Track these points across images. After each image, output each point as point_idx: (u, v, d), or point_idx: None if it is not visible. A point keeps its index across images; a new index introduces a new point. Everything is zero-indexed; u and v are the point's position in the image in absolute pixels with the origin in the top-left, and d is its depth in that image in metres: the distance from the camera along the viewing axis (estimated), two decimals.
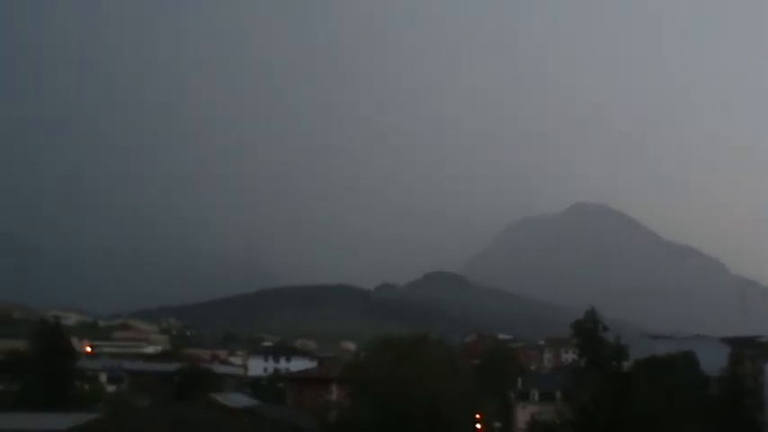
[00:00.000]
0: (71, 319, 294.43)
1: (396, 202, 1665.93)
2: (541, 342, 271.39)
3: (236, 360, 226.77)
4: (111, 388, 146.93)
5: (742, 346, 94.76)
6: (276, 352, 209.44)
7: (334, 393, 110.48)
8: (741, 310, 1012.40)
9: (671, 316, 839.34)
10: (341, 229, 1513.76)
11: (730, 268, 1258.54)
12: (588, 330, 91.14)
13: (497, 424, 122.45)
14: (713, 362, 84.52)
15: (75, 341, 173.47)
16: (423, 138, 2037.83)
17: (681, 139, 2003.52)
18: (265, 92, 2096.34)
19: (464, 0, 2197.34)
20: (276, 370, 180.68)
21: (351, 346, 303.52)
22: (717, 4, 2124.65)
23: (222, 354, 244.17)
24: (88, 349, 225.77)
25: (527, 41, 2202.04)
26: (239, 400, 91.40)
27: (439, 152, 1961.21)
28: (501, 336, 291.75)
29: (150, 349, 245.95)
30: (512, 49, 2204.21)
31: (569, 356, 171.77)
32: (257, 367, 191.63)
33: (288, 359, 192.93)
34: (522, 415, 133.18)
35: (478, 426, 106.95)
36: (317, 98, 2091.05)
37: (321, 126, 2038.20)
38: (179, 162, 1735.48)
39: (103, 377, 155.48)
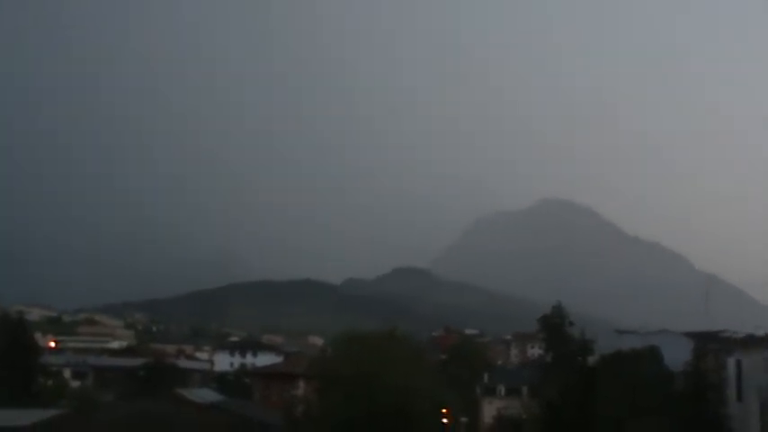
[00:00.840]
0: (35, 314, 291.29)
1: (364, 198, 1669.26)
2: (508, 337, 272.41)
3: (203, 355, 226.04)
4: (75, 383, 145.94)
5: (706, 341, 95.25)
6: (243, 347, 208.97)
7: (301, 388, 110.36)
8: (705, 305, 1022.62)
9: (637, 311, 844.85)
10: (309, 224, 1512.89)
11: (695, 263, 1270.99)
12: (554, 325, 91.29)
13: (464, 419, 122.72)
14: (677, 357, 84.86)
15: (38, 336, 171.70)
16: (391, 134, 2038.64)
17: (644, 136, 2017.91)
18: (228, 89, 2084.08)
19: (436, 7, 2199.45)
20: (243, 365, 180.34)
21: (318, 341, 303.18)
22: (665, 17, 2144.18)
23: (188, 349, 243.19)
24: (52, 344, 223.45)
25: (492, 43, 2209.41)
26: (205, 395, 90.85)
27: (407, 148, 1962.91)
28: (468, 331, 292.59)
29: (115, 344, 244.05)
30: (478, 56, 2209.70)
31: (536, 351, 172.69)
32: (224, 362, 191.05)
33: (254, 354, 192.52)
34: (489, 410, 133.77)
35: (445, 420, 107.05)
36: (283, 95, 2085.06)
37: (288, 123, 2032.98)
38: (146, 159, 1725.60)
39: (68, 372, 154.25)
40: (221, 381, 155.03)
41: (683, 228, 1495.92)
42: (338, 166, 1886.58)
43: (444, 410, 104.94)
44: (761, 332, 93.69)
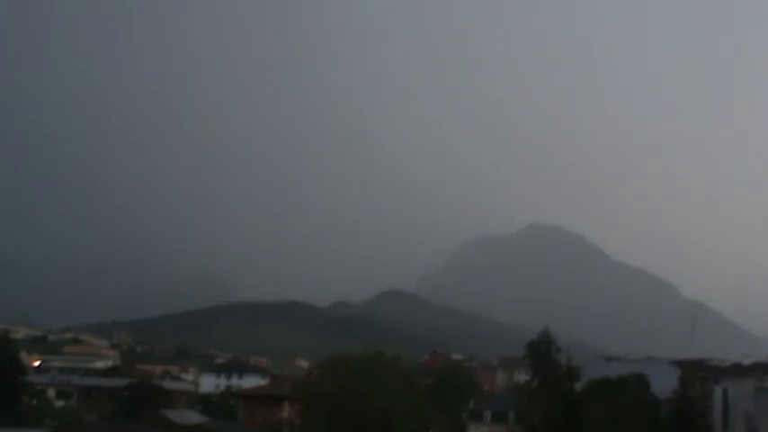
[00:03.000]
0: (20, 333, 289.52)
1: (351, 221, 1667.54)
2: (494, 362, 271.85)
3: (188, 376, 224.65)
4: (59, 403, 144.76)
5: (692, 369, 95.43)
6: (228, 369, 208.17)
7: (286, 411, 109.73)
8: (691, 332, 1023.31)
9: (623, 337, 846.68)
10: (296, 246, 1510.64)
11: (681, 291, 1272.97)
12: (541, 351, 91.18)
13: None
14: (664, 384, 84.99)
15: (23, 355, 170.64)
16: (379, 158, 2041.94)
17: (633, 165, 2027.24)
18: (220, 107, 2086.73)
19: (424, 34, 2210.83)
20: (228, 387, 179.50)
21: (304, 363, 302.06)
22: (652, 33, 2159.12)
23: (174, 370, 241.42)
24: (36, 363, 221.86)
25: (483, 70, 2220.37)
26: (190, 416, 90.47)
27: (395, 173, 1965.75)
28: (455, 356, 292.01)
29: (101, 364, 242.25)
30: (469, 77, 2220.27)
31: (522, 377, 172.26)
32: (209, 384, 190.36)
33: (240, 376, 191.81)
34: None
35: None
36: (273, 114, 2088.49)
37: (279, 144, 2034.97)
38: (135, 175, 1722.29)
39: (52, 392, 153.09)
40: (207, 402, 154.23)
41: (670, 255, 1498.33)
42: (326, 189, 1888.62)
43: None
44: (747, 361, 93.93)
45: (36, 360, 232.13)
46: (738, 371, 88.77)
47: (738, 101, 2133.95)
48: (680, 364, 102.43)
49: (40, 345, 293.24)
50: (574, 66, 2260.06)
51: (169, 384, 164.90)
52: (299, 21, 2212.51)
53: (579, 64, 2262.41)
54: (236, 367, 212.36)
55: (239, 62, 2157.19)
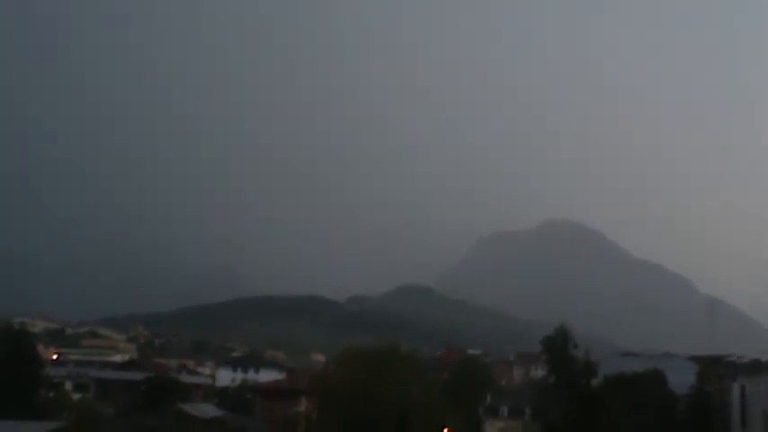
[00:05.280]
0: (38, 327, 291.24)
1: (369, 215, 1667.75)
2: (511, 358, 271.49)
3: (205, 370, 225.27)
4: (76, 396, 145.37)
5: (710, 365, 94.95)
6: (245, 363, 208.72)
7: (303, 405, 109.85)
8: (709, 328, 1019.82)
9: (640, 333, 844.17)
10: (314, 240, 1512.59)
11: (699, 287, 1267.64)
12: (558, 346, 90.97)
13: None
14: (681, 380, 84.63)
15: (41, 348, 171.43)
16: (395, 154, 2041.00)
17: (652, 158, 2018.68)
18: (239, 101, 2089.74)
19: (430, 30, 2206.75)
20: (245, 380, 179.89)
21: (321, 357, 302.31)
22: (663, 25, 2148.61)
23: (190, 363, 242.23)
24: (54, 357, 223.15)
25: (495, 62, 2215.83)
26: (207, 410, 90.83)
27: (412, 167, 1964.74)
28: (471, 351, 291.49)
29: (118, 357, 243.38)
30: (484, 75, 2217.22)
31: (539, 372, 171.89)
32: (226, 378, 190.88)
33: (257, 370, 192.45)
34: (491, 430, 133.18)
35: None
36: (293, 111, 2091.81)
37: (295, 140, 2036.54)
38: (150, 169, 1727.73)
39: (69, 385, 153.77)
40: (223, 396, 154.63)
41: (687, 251, 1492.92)
42: (343, 182, 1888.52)
43: (446, 430, 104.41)
44: (765, 357, 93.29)
45: (54, 353, 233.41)
46: (756, 367, 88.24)
47: (757, 97, 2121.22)
48: (697, 360, 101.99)
49: (57, 338, 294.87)
50: (594, 62, 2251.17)
51: (186, 378, 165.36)
52: (312, 19, 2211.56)
53: (603, 61, 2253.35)
54: (253, 361, 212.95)
55: (251, 58, 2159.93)
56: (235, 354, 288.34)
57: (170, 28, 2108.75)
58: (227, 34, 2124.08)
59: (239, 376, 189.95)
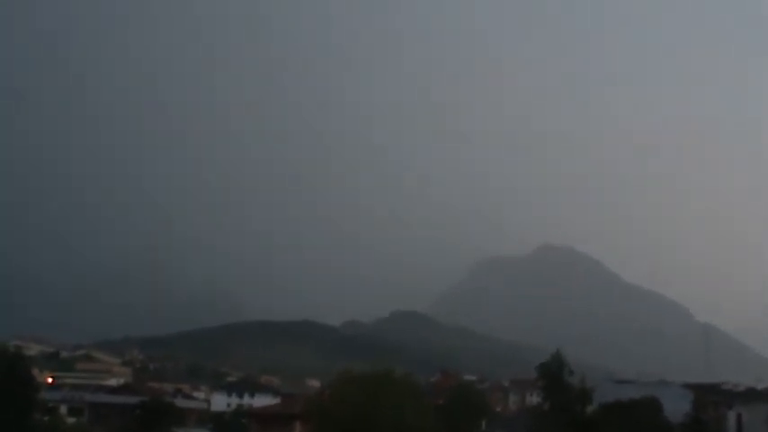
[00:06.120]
0: (33, 350, 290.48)
1: (364, 241, 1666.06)
2: (506, 384, 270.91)
3: (200, 395, 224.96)
4: (70, 420, 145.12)
5: (706, 393, 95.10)
6: (240, 387, 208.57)
7: (298, 429, 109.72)
8: (705, 356, 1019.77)
9: (635, 359, 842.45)
10: (308, 265, 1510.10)
11: (694, 314, 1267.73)
12: (553, 373, 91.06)
13: None
14: (676, 408, 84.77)
15: (36, 372, 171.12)
16: (391, 177, 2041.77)
17: (646, 184, 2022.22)
18: (228, 127, 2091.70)
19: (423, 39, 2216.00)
20: (240, 405, 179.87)
21: (316, 382, 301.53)
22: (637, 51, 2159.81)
23: (185, 387, 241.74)
24: (49, 380, 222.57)
25: (495, 87, 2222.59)
26: None
27: (407, 191, 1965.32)
28: (467, 376, 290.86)
29: (113, 381, 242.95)
30: (481, 95, 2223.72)
31: (534, 399, 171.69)
32: (220, 402, 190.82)
33: (251, 395, 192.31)
34: None
35: None
36: (283, 127, 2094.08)
37: (290, 164, 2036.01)
38: (144, 192, 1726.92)
39: (64, 409, 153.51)
40: (218, 421, 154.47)
41: (682, 278, 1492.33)
42: (339, 209, 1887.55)
43: None
44: (761, 385, 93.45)
45: (49, 377, 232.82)
46: (752, 395, 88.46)
47: (755, 119, 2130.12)
48: (693, 387, 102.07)
49: (52, 361, 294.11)
50: (591, 85, 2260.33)
51: (181, 402, 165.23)
52: (312, 26, 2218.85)
53: (598, 82, 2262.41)
54: (248, 386, 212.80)
55: (246, 71, 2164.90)
56: (230, 378, 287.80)
57: (168, 30, 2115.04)
58: (232, 41, 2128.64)
59: (234, 401, 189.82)
